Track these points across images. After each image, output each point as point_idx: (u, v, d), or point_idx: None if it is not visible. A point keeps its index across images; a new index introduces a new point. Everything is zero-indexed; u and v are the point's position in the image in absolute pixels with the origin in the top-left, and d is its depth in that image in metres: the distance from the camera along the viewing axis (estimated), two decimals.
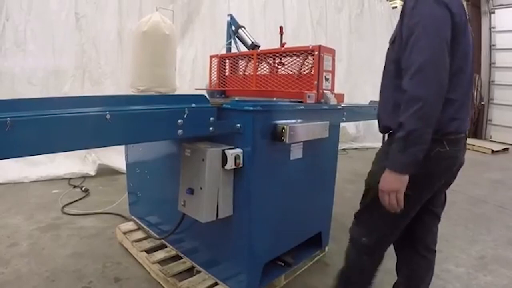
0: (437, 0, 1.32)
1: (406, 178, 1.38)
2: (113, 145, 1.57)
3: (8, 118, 1.08)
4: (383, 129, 1.63)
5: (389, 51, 1.60)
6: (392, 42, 1.55)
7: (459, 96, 1.43)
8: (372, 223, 1.65)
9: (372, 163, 1.67)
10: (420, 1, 1.35)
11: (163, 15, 2.78)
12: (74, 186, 4.19)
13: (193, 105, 1.66)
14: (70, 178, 4.47)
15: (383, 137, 1.71)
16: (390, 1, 8.71)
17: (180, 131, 1.57)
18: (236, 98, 2.53)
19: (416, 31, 1.33)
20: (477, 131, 9.03)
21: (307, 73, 2.39)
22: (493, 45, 8.70)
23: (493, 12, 8.66)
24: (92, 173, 4.64)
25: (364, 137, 7.81)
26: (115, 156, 4.69)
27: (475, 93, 8.56)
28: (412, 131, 1.30)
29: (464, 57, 1.44)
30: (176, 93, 3.02)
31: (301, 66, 2.44)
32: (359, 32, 7.89)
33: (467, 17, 1.42)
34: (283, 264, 2.25)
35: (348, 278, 1.82)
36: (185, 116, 1.57)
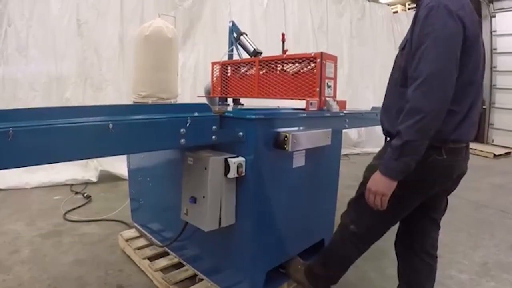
0: (451, 12, 1.29)
1: (394, 184, 1.41)
2: (116, 155, 1.57)
3: (11, 128, 1.08)
4: (386, 133, 1.66)
5: (398, 57, 1.59)
6: (402, 48, 1.53)
7: (462, 109, 1.42)
8: (362, 213, 1.69)
9: (373, 158, 1.71)
10: (433, 11, 1.31)
11: (165, 21, 2.80)
12: (76, 193, 4.19)
13: (196, 114, 1.66)
14: (72, 185, 4.47)
15: (385, 140, 1.72)
16: (391, 6, 8.71)
17: (182, 140, 1.57)
18: (238, 106, 2.53)
19: (426, 42, 1.31)
20: (479, 135, 8.98)
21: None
22: (494, 49, 8.69)
23: (494, 16, 8.66)
24: (94, 179, 4.64)
25: (366, 142, 7.79)
26: (117, 163, 4.69)
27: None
28: (408, 142, 1.32)
29: (474, 70, 1.43)
30: (178, 99, 3.02)
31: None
32: (360, 37, 7.88)
33: (481, 30, 1.41)
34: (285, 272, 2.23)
35: (327, 258, 1.92)
36: (187, 125, 1.57)
